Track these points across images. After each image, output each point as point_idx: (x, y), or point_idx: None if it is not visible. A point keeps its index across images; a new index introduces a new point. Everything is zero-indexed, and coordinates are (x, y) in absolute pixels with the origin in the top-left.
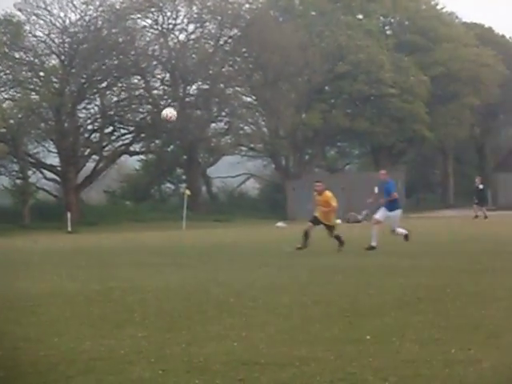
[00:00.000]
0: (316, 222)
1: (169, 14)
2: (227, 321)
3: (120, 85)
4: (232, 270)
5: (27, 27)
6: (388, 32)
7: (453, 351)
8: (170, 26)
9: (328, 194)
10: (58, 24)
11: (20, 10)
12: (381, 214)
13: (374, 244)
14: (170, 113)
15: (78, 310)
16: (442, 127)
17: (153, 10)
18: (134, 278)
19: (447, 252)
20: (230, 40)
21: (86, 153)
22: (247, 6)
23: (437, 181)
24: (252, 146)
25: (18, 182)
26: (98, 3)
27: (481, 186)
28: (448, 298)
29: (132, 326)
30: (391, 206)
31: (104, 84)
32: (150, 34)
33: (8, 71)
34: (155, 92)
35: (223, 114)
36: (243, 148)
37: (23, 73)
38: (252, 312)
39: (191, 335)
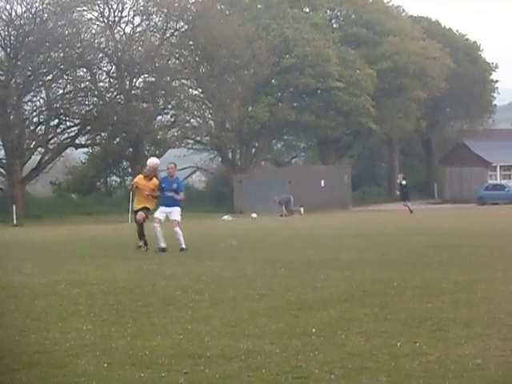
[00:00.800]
0: None
1: (115, 6)
2: (173, 314)
3: (66, 77)
4: (178, 264)
5: None
6: (334, 25)
7: (399, 344)
8: (116, 19)
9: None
10: (3, 16)
11: None
12: None
13: None
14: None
15: (22, 303)
16: (389, 120)
17: (99, 2)
18: (79, 270)
19: (392, 245)
20: (176, 33)
21: (32, 145)
22: None
23: (383, 174)
24: (198, 138)
25: None
26: None
27: (404, 182)
28: (394, 291)
29: (77, 319)
30: None
31: (50, 76)
32: (96, 27)
33: None
34: (101, 84)
35: (169, 106)
36: (189, 141)
37: None
38: (198, 305)
39: (137, 328)
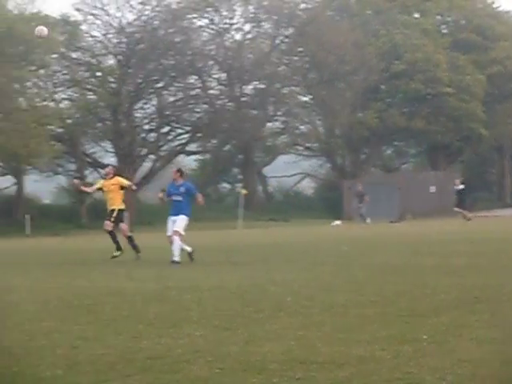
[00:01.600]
0: None
1: (225, 13)
2: (284, 320)
3: (176, 85)
4: (288, 269)
5: (84, 27)
6: (444, 31)
7: (510, 350)
8: (226, 26)
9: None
10: (114, 24)
11: (77, 10)
12: None
13: None
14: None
15: (134, 308)
16: (499, 126)
17: (209, 9)
18: (190, 277)
19: (503, 251)
20: (286, 39)
21: (143, 152)
22: (303, 5)
23: (493, 180)
24: (308, 145)
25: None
26: (154, 3)
27: (460, 187)
28: (505, 297)
29: (189, 325)
30: None
31: (161, 84)
32: (206, 34)
33: (65, 71)
34: (211, 92)
35: (279, 113)
36: (299, 147)
37: (80, 73)
38: (309, 311)
39: (248, 334)
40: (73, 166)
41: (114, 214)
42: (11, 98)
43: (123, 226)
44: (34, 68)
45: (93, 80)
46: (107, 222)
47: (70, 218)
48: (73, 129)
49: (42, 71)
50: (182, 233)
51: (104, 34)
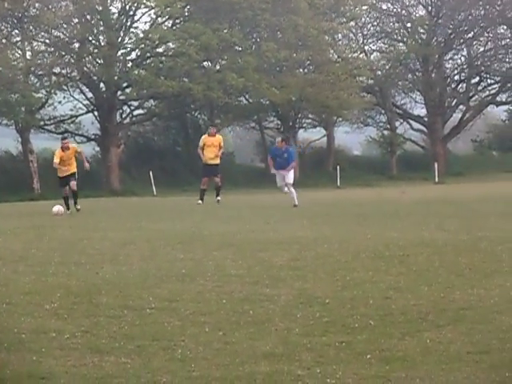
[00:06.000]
0: None
1: None
2: None
3: (486, 35)
4: None
5: None
6: None
7: None
8: None
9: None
10: None
11: None
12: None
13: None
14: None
15: (446, 259)
16: None
17: None
18: (502, 228)
19: None
20: None
21: (453, 103)
22: None
23: None
24: None
25: (386, 132)
26: None
27: None
28: None
29: (501, 276)
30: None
31: (470, 34)
32: None
33: (376, 23)
34: None
35: None
36: None
37: (390, 24)
38: None
39: None
40: (383, 118)
41: None
42: (322, 50)
43: None
44: (344, 20)
45: (403, 31)
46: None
47: (381, 169)
48: (383, 80)
49: (352, 23)
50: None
51: None
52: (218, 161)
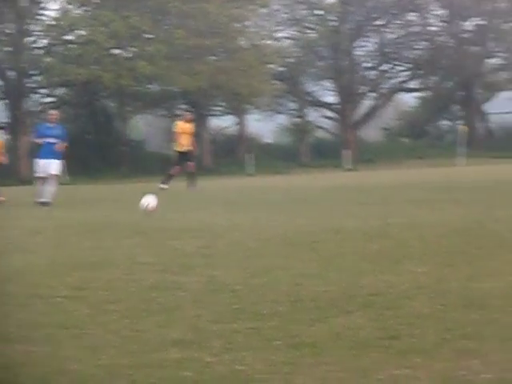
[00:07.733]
0: None
1: None
2: (505, 256)
3: (397, 22)
4: (508, 206)
5: None
6: None
7: None
8: None
9: None
10: None
11: None
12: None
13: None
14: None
15: (356, 246)
16: None
17: None
18: (411, 214)
19: None
20: None
21: (363, 90)
22: None
23: None
24: None
25: (297, 120)
26: None
27: None
28: None
29: (410, 262)
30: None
31: (381, 21)
32: None
33: (286, 10)
34: (432, 28)
35: (499, 49)
36: None
37: (301, 11)
38: None
39: (469, 271)
40: (294, 105)
41: None
42: (233, 37)
43: None
44: (254, 7)
45: (313, 18)
46: None
47: (292, 156)
48: (294, 67)
49: (262, 10)
50: None
51: None
52: (192, 148)
